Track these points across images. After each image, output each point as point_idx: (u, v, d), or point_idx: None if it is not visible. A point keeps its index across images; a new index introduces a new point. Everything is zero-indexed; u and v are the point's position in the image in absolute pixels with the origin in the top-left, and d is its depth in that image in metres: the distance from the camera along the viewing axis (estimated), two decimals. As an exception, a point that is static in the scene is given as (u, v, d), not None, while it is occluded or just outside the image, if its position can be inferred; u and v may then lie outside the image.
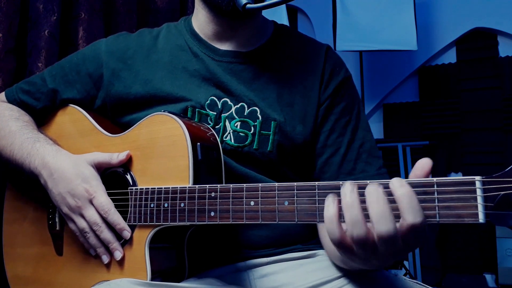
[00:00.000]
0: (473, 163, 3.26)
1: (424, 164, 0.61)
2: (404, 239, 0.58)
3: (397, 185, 0.58)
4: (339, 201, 0.60)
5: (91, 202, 0.87)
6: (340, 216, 0.60)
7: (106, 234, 0.86)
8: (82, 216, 0.88)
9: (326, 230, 0.61)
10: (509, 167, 0.55)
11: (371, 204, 0.58)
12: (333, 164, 0.95)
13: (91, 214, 0.87)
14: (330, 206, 0.60)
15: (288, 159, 0.97)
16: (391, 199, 0.58)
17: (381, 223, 0.57)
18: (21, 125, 1.01)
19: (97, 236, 0.87)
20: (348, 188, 0.60)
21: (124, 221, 0.86)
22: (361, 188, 0.61)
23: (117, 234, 0.87)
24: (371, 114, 3.64)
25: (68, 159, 0.92)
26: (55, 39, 1.49)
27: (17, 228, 1.08)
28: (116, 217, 0.86)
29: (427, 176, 0.61)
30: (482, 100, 3.28)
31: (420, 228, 0.57)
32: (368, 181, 0.61)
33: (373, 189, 0.59)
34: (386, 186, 0.59)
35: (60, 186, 0.89)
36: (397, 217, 0.58)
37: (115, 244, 0.86)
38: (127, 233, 0.85)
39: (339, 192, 0.63)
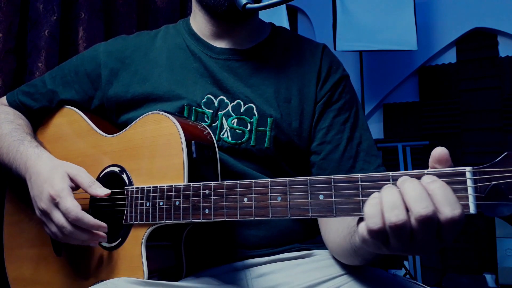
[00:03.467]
0: (473, 163, 3.24)
1: (440, 155, 0.59)
2: (442, 232, 0.57)
3: (428, 180, 0.57)
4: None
5: (57, 206, 0.85)
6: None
7: (77, 234, 0.84)
8: (52, 220, 0.86)
9: (366, 218, 0.59)
10: (499, 157, 0.55)
11: (406, 190, 0.57)
12: (332, 161, 0.96)
13: (58, 218, 0.84)
14: (376, 194, 0.60)
15: (286, 155, 0.97)
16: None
17: (418, 204, 0.55)
18: (12, 128, 1.01)
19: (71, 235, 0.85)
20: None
21: (96, 219, 0.83)
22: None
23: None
24: (371, 114, 3.64)
25: (47, 164, 0.91)
26: (55, 39, 1.49)
27: (17, 230, 1.08)
28: (85, 221, 0.83)
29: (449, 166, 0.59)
30: (482, 100, 3.28)
31: (459, 220, 0.55)
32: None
33: (405, 178, 0.59)
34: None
35: (34, 190, 0.89)
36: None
37: (93, 236, 0.84)
38: (103, 229, 0.84)
39: (331, 186, 0.64)
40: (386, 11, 3.09)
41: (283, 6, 2.87)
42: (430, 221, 0.55)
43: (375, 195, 0.60)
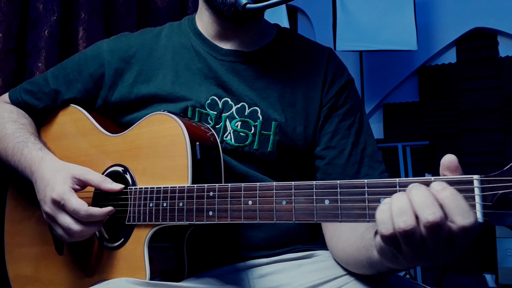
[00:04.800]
0: (473, 163, 3.26)
1: (450, 162, 0.59)
2: (455, 240, 0.56)
3: (438, 188, 0.56)
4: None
5: (63, 209, 0.84)
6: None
7: (86, 231, 0.84)
8: (57, 223, 0.86)
9: (378, 224, 0.58)
10: (507, 166, 0.54)
11: (413, 196, 0.56)
12: (337, 166, 0.95)
13: (63, 220, 0.84)
14: (386, 200, 0.59)
15: (289, 159, 0.97)
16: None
17: (426, 210, 0.54)
18: (16, 128, 1.01)
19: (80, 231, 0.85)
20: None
21: (103, 208, 0.84)
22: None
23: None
24: (371, 114, 3.64)
25: (49, 167, 0.90)
26: (55, 39, 1.49)
27: (19, 228, 1.08)
28: (97, 214, 0.83)
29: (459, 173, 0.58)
30: (482, 100, 3.28)
31: (471, 229, 0.54)
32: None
33: (414, 184, 0.58)
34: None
35: (39, 194, 0.89)
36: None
37: (97, 227, 0.86)
38: (112, 212, 0.85)
39: (337, 191, 0.63)
40: (386, 11, 3.10)
41: (283, 6, 2.87)
42: (439, 228, 0.55)
43: (386, 200, 0.59)
